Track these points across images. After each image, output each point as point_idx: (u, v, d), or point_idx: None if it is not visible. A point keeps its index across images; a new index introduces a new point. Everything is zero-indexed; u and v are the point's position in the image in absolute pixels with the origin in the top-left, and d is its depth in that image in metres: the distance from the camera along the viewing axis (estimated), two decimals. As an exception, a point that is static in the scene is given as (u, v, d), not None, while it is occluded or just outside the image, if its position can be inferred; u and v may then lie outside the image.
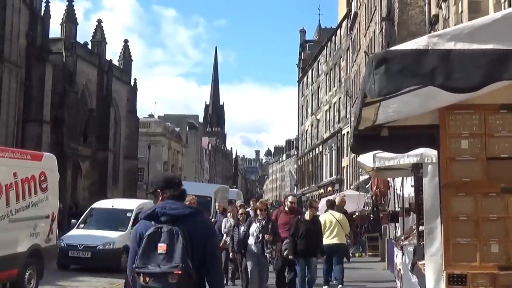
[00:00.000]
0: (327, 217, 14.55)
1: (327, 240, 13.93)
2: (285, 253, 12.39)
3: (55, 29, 70.96)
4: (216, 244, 5.43)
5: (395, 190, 16.41)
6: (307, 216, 12.96)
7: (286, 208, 13.64)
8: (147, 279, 4.47)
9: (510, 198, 5.19)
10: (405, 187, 13.99)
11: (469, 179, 5.34)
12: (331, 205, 15.25)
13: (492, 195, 5.31)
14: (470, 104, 5.23)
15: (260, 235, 11.93)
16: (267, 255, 11.88)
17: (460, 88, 3.11)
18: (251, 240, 12.13)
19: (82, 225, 20.11)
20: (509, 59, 3.04)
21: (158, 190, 4.94)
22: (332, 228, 14.33)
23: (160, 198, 4.89)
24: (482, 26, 3.15)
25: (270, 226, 12.01)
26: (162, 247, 4.50)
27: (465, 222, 5.32)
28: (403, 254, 11.78)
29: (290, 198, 14.42)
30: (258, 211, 12.52)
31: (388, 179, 16.26)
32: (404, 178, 13.50)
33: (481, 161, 5.35)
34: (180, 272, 4.44)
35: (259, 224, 12.09)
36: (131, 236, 4.91)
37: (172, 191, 4.88)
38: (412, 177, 11.18)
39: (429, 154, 7.95)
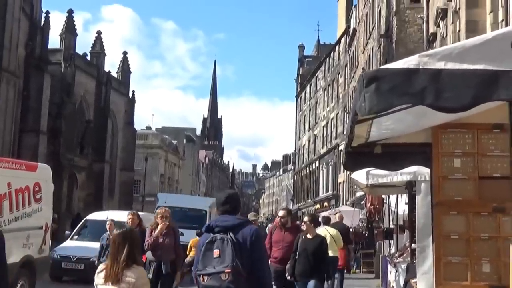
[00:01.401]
0: (321, 232, 14.61)
1: None
2: (287, 275, 11.00)
3: (54, 40, 71.17)
4: (261, 248, 6.03)
5: (390, 207, 16.40)
6: (309, 235, 11.04)
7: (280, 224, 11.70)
8: (205, 278, 5.48)
9: (502, 217, 5.20)
10: (399, 205, 13.98)
11: (461, 198, 5.35)
12: (326, 221, 15.34)
13: (484, 214, 5.32)
14: (463, 123, 5.25)
15: None
16: None
17: (449, 108, 3.12)
18: None
19: (76, 237, 20.00)
20: (499, 80, 3.05)
21: (216, 208, 6.14)
22: (325, 242, 14.42)
23: (218, 214, 5.96)
24: (473, 47, 3.16)
25: None
26: (216, 252, 5.50)
27: (456, 241, 5.32)
28: (396, 272, 11.77)
29: (280, 213, 12.18)
30: None
31: (383, 196, 16.25)
32: (399, 195, 13.50)
33: (474, 180, 5.36)
34: (230, 270, 5.37)
35: None
36: (197, 247, 5.90)
37: (223, 207, 5.85)
38: (406, 194, 11.18)
39: (423, 172, 7.95)
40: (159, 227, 11.34)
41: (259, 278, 5.65)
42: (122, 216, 20.98)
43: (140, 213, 21.04)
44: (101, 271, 5.15)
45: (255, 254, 5.63)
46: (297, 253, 10.87)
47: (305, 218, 11.64)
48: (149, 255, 11.50)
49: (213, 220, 5.92)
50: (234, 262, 5.38)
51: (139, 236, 5.52)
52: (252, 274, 5.52)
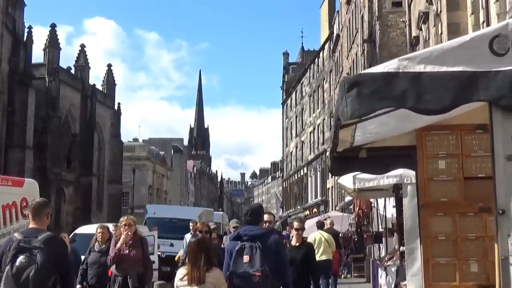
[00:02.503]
0: (316, 236, 14.86)
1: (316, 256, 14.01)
2: None
3: (37, 54, 70.99)
4: (284, 254, 7.11)
5: (378, 211, 16.45)
6: (293, 241, 9.90)
7: None
8: (238, 279, 6.55)
9: (488, 217, 5.21)
10: (387, 208, 14.02)
11: (447, 199, 5.38)
12: (320, 226, 15.71)
13: (470, 214, 5.35)
14: (447, 125, 5.28)
15: None
16: None
17: (430, 110, 3.15)
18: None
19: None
20: (478, 81, 3.09)
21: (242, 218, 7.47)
22: (320, 246, 14.57)
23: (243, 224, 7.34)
24: (451, 49, 3.19)
25: None
26: (246, 258, 6.57)
27: (444, 242, 5.35)
28: (386, 275, 11.79)
29: (265, 217, 9.52)
30: (198, 234, 10.19)
31: (371, 199, 16.31)
32: (387, 198, 13.54)
33: (459, 181, 5.39)
34: (259, 273, 6.48)
35: None
36: (226, 252, 7.08)
37: (248, 218, 7.02)
38: (394, 197, 11.22)
39: (409, 174, 8.00)
40: (122, 237, 9.95)
41: (282, 280, 6.85)
42: (111, 229, 20.91)
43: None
44: (184, 276, 6.03)
45: (279, 259, 6.75)
46: None
47: (296, 224, 10.04)
48: (114, 268, 10.16)
49: (241, 229, 7.05)
50: (262, 266, 6.47)
51: (211, 242, 6.68)
52: (275, 276, 6.64)
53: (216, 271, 6.08)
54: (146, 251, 10.16)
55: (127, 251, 9.81)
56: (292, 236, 10.34)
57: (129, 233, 9.88)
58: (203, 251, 6.04)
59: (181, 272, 6.14)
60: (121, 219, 10.50)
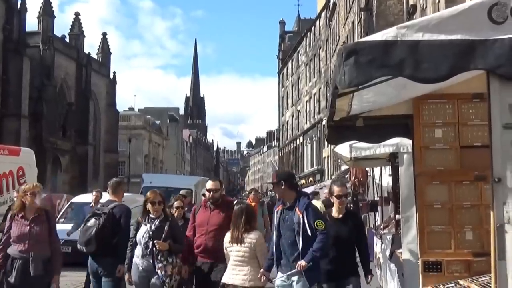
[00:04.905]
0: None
1: None
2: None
3: (32, 23, 70.40)
4: None
5: (374, 180, 16.51)
6: (334, 211, 7.42)
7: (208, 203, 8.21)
8: None
9: (483, 185, 5.25)
10: (383, 177, 14.07)
11: (443, 167, 5.41)
12: (314, 195, 15.73)
13: (465, 183, 5.38)
14: (443, 94, 5.29)
15: (150, 243, 7.77)
16: (159, 272, 7.70)
17: (428, 79, 3.14)
18: (138, 251, 7.99)
19: (62, 220, 19.94)
20: (475, 49, 3.08)
21: (282, 181, 6.75)
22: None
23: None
24: (449, 17, 3.17)
25: (166, 228, 7.85)
26: None
27: (439, 210, 5.39)
28: (382, 243, 11.88)
29: (210, 184, 8.32)
30: (149, 206, 7.97)
31: (367, 168, 16.36)
32: (383, 167, 13.58)
33: (455, 149, 5.42)
34: None
35: (150, 226, 7.89)
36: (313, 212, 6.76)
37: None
38: (390, 166, 11.26)
39: (405, 143, 8.01)
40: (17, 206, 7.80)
41: None
42: (107, 197, 20.92)
43: (125, 194, 21.00)
44: (229, 238, 7.04)
45: None
46: None
47: (336, 190, 7.33)
48: (12, 250, 7.68)
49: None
50: None
51: (254, 209, 7.40)
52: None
53: (255, 233, 6.99)
54: (53, 229, 7.85)
55: (28, 227, 7.61)
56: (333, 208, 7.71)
57: (34, 203, 7.74)
58: (244, 215, 7.03)
59: (228, 235, 7.09)
60: (25, 186, 8.08)
